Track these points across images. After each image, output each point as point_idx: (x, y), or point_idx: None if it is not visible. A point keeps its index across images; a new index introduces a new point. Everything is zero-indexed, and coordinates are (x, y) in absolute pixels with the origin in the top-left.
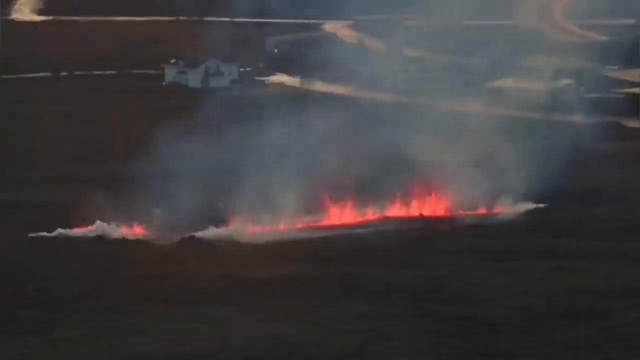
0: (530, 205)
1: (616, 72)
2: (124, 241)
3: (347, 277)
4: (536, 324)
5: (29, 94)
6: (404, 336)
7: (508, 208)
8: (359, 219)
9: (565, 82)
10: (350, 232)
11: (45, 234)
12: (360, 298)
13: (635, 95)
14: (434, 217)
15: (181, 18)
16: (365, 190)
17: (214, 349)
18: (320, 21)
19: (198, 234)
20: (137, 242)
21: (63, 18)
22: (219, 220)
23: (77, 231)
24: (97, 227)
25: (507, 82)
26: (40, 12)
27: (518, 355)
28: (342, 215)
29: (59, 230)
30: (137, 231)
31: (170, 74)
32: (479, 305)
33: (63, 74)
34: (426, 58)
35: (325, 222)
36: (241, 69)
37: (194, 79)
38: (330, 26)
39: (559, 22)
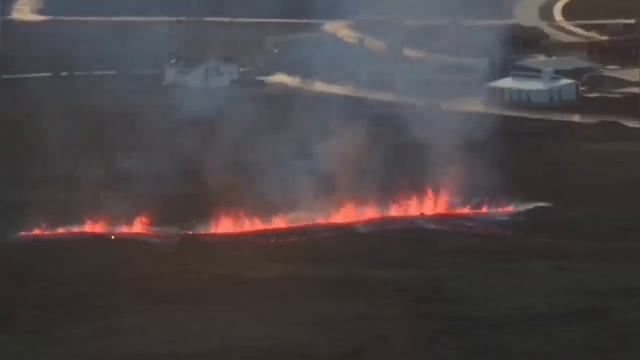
0: (530, 205)
1: (616, 72)
2: (124, 241)
3: (347, 277)
4: (536, 324)
5: (29, 94)
6: (404, 336)
7: (508, 208)
8: (359, 219)
9: (565, 82)
10: (350, 232)
11: (45, 233)
12: (360, 298)
13: (635, 95)
14: (434, 217)
15: (181, 18)
16: (364, 189)
17: (214, 349)
18: (320, 21)
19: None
20: (137, 242)
21: (63, 18)
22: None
23: (76, 231)
24: (98, 227)
25: (506, 82)
26: (40, 12)
27: (518, 355)
28: (342, 215)
29: (59, 230)
30: (137, 231)
31: (170, 74)
32: (479, 305)
33: (63, 74)
34: (426, 58)
35: (325, 222)
36: (241, 69)
37: (194, 79)
38: (330, 26)
39: (559, 22)
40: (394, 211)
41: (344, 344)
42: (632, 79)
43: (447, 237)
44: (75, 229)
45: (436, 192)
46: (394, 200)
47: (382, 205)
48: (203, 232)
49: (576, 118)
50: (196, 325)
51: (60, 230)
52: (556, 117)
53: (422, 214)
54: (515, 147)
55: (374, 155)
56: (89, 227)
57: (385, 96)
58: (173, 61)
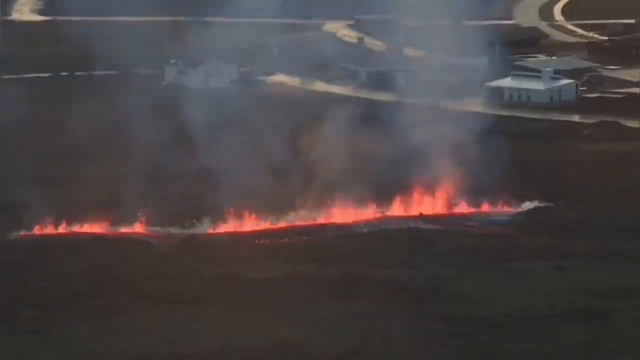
0: (530, 205)
1: (616, 72)
2: (124, 241)
3: (347, 277)
4: (536, 324)
5: (29, 94)
6: (404, 336)
7: (508, 208)
8: (359, 218)
9: (565, 82)
10: (350, 232)
11: (44, 233)
12: (360, 298)
13: (635, 95)
14: (434, 217)
15: (181, 18)
16: (365, 189)
17: (214, 349)
18: (320, 21)
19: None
20: (137, 242)
21: (63, 18)
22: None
23: (77, 231)
24: (97, 227)
25: (506, 82)
26: (40, 12)
27: (518, 355)
28: (342, 215)
29: (59, 230)
30: (137, 231)
31: (170, 74)
32: (479, 305)
33: (63, 74)
34: (426, 58)
35: (325, 221)
36: (241, 69)
37: (194, 79)
38: (330, 26)
39: (559, 22)
40: (394, 211)
41: (344, 344)
42: (632, 79)
43: (447, 237)
44: (75, 229)
45: (436, 192)
46: (393, 200)
47: (382, 205)
48: (203, 232)
49: (576, 118)
50: (196, 325)
51: (60, 230)
52: (556, 117)
53: (421, 214)
54: (515, 147)
55: (374, 155)
56: (89, 227)
57: (385, 96)
58: (173, 61)
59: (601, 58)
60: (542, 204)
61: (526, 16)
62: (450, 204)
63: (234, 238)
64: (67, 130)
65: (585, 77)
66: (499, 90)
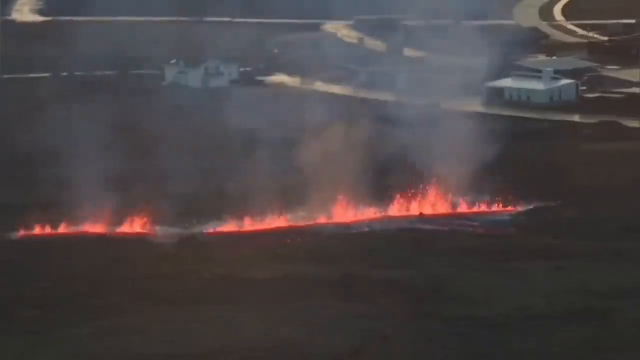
0: (530, 205)
1: (616, 72)
2: (124, 241)
3: (347, 277)
4: (536, 324)
5: (29, 94)
6: (404, 336)
7: (508, 208)
8: (359, 218)
9: (565, 82)
10: (350, 232)
11: (45, 233)
12: (360, 298)
13: (635, 95)
14: (434, 217)
15: (181, 18)
16: (365, 189)
17: (214, 349)
18: (320, 21)
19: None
20: (137, 242)
21: (63, 18)
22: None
23: (77, 231)
24: (97, 227)
25: (506, 82)
26: (40, 12)
27: (518, 355)
28: (342, 215)
29: (59, 230)
30: (137, 231)
31: (170, 74)
32: (479, 305)
33: (63, 74)
34: (426, 58)
35: (325, 221)
36: (241, 69)
37: (194, 79)
38: (330, 26)
39: (559, 22)
40: (394, 211)
41: (344, 344)
42: (632, 79)
43: (447, 237)
44: (75, 229)
45: (436, 191)
46: (393, 200)
47: (382, 205)
48: (203, 232)
49: (576, 118)
50: (196, 325)
51: (60, 230)
52: (556, 117)
53: (421, 213)
54: (515, 147)
55: (374, 155)
56: (89, 227)
57: (385, 96)
58: (173, 61)
59: (601, 58)
60: (542, 204)
61: (526, 16)
62: (451, 204)
63: (234, 238)
64: (67, 130)
65: (585, 77)
66: (499, 90)
